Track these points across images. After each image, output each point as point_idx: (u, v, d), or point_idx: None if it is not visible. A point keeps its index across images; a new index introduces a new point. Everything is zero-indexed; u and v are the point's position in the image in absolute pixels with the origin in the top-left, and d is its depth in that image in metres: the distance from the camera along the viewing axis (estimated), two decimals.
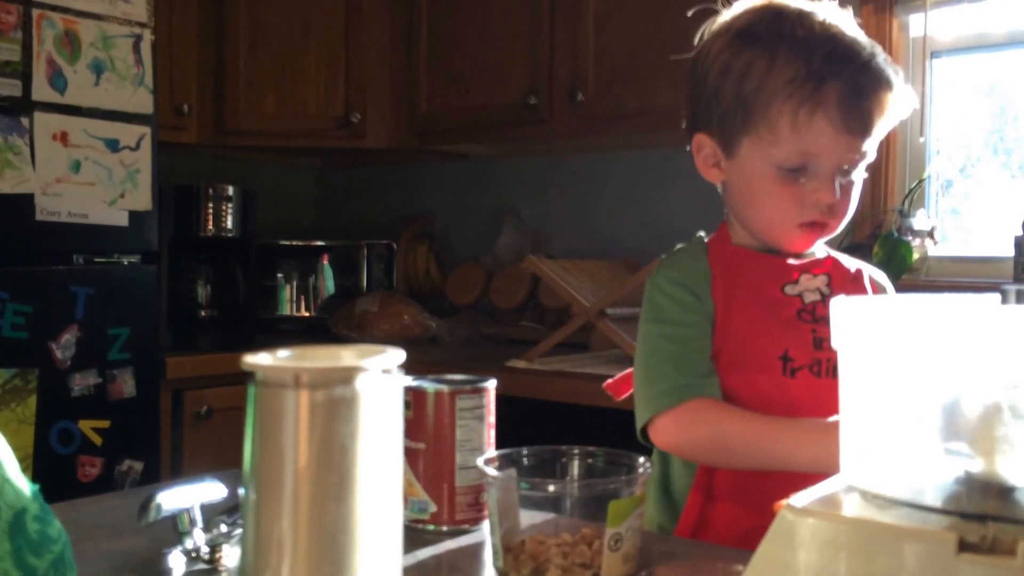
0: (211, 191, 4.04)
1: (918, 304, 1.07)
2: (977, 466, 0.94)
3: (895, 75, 1.69)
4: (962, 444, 0.95)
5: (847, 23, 1.72)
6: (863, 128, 1.67)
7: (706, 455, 1.70)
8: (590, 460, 1.42)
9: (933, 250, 3.49)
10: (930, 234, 3.45)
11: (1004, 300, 1.01)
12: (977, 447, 0.94)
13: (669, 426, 1.67)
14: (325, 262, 4.71)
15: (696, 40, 1.82)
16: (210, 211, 4.05)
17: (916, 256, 3.40)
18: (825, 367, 1.70)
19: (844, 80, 1.64)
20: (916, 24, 3.53)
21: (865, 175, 1.76)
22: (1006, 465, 0.92)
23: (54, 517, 1.01)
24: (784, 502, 0.99)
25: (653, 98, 3.55)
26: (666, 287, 1.77)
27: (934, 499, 0.95)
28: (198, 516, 1.33)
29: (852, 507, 0.98)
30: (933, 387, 0.95)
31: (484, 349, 4.08)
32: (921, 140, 3.52)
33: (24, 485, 1.01)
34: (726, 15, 1.77)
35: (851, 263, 1.88)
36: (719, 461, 1.70)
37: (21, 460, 1.01)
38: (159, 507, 1.29)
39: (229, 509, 1.36)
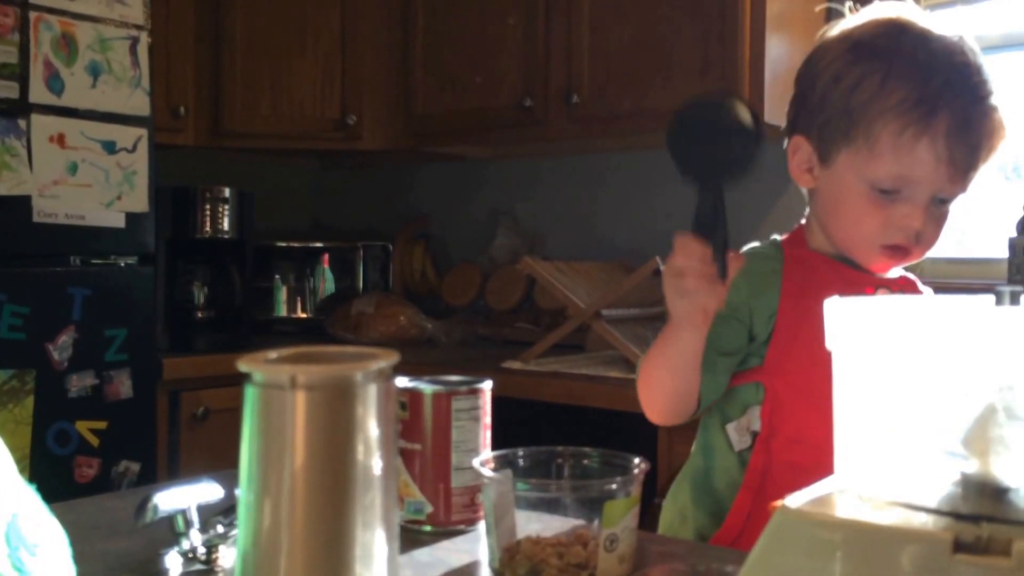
0: (207, 193, 4.04)
1: (913, 305, 1.07)
2: (972, 467, 0.94)
3: (1008, 117, 1.65)
4: (957, 445, 0.95)
5: (972, 53, 1.68)
6: (967, 162, 1.63)
7: (646, 405, 1.76)
8: (586, 461, 1.42)
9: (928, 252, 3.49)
10: None
11: (998, 301, 1.01)
12: (972, 448, 0.94)
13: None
14: (321, 264, 4.71)
15: (816, 40, 1.79)
16: (207, 213, 4.04)
17: None
18: None
19: (957, 111, 1.60)
20: None
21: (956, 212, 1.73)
22: (1001, 466, 0.92)
23: (51, 518, 1.01)
24: (779, 503, 0.99)
25: (648, 100, 3.56)
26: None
27: (929, 500, 0.95)
28: (195, 517, 1.33)
29: (847, 508, 0.98)
30: (928, 388, 0.96)
31: (480, 350, 4.08)
32: None
33: (21, 486, 1.01)
34: (848, 23, 1.74)
35: (923, 288, 1.86)
36: (653, 404, 1.76)
37: (18, 461, 1.01)
38: (156, 508, 1.29)
39: (226, 510, 1.36)
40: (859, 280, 1.76)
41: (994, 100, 1.64)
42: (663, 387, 1.72)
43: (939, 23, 1.71)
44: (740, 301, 1.74)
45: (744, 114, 1.48)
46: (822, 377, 1.71)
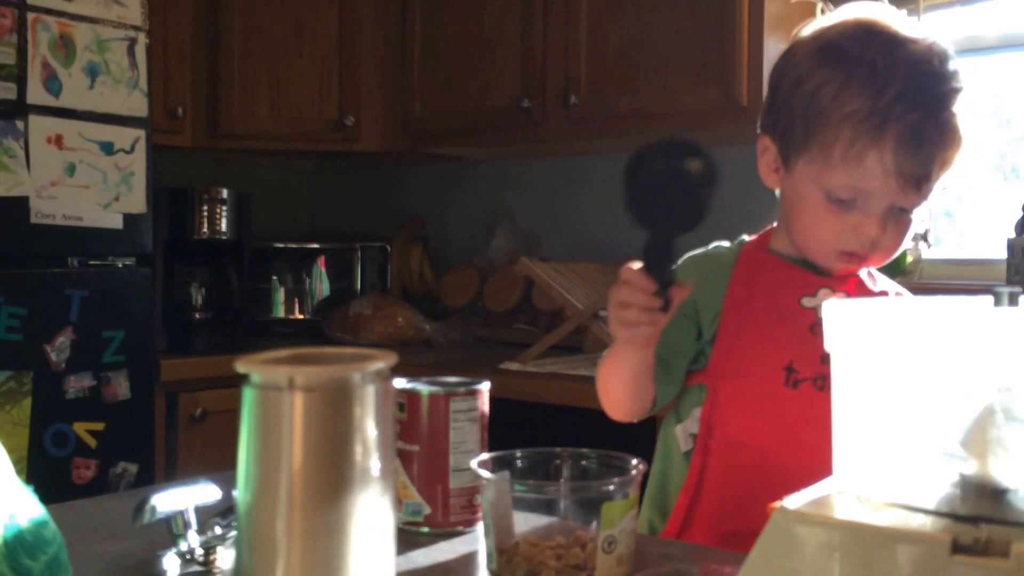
0: (205, 194, 4.03)
1: (911, 306, 1.07)
2: (970, 468, 0.95)
3: (969, 129, 1.64)
4: (955, 446, 0.95)
5: (939, 60, 1.65)
6: (917, 177, 1.62)
7: (604, 405, 1.81)
8: (584, 462, 1.42)
9: (926, 252, 3.49)
10: (923, 237, 3.46)
11: (997, 302, 1.01)
12: (970, 449, 0.94)
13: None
14: (319, 265, 4.71)
15: (792, 37, 1.78)
16: (204, 214, 4.04)
17: (910, 259, 3.41)
18: (830, 383, 1.68)
19: (907, 125, 1.59)
20: None
21: (920, 219, 1.73)
22: (999, 467, 0.93)
23: (49, 519, 1.01)
24: (778, 504, 0.99)
25: (646, 101, 3.55)
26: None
27: (927, 501, 0.95)
28: (192, 518, 1.33)
29: (846, 509, 0.99)
30: (926, 389, 0.96)
31: (478, 351, 4.08)
32: None
33: (18, 487, 1.01)
34: (822, 22, 1.74)
35: (884, 285, 1.85)
36: (609, 406, 1.81)
37: (16, 462, 1.01)
38: (154, 509, 1.29)
39: (224, 511, 1.35)
40: (806, 280, 1.76)
41: (953, 110, 1.62)
42: (617, 394, 1.77)
43: (912, 26, 1.69)
44: (686, 299, 1.74)
45: (698, 164, 1.48)
46: (764, 379, 1.71)
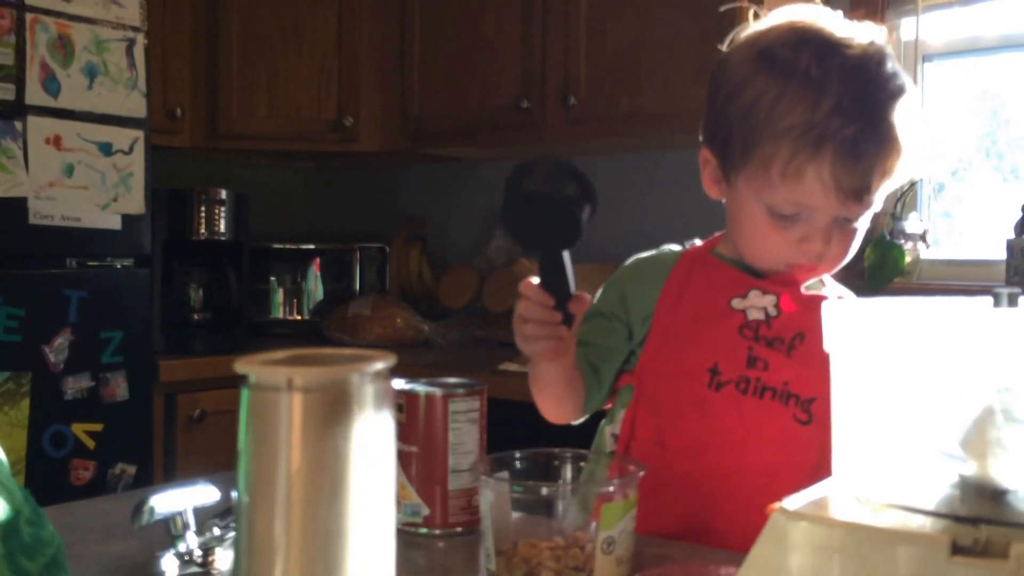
0: (204, 194, 4.04)
1: (910, 307, 1.07)
2: (970, 469, 0.94)
3: (909, 134, 1.59)
4: (955, 447, 0.95)
5: (879, 61, 1.61)
6: (857, 190, 1.58)
7: (540, 409, 1.82)
8: (583, 463, 1.42)
9: (925, 253, 3.49)
10: (922, 237, 3.46)
11: (996, 303, 1.01)
12: (970, 450, 0.94)
13: None
14: (317, 265, 4.71)
15: (727, 40, 1.75)
16: (203, 214, 4.04)
17: (908, 259, 3.41)
18: (753, 386, 1.66)
19: (844, 140, 1.54)
20: (908, 28, 3.53)
21: (868, 224, 1.70)
22: (999, 468, 0.92)
23: (47, 520, 1.01)
24: (777, 505, 0.99)
25: (646, 101, 3.55)
26: (611, 278, 1.84)
27: (927, 502, 0.95)
28: (191, 519, 1.33)
29: (845, 510, 0.98)
30: (926, 390, 0.96)
31: (477, 352, 4.08)
32: None
33: (17, 488, 1.01)
34: (761, 23, 1.70)
35: (828, 289, 1.82)
36: (543, 410, 1.82)
37: (14, 463, 1.01)
38: (152, 510, 1.29)
39: (222, 512, 1.36)
40: (739, 282, 1.73)
41: (892, 117, 1.58)
42: (544, 402, 1.78)
43: (849, 27, 1.64)
44: (614, 301, 1.77)
45: (574, 187, 1.48)
46: (688, 381, 1.70)
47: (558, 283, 1.50)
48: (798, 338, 1.69)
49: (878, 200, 1.64)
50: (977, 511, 0.92)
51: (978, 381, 0.92)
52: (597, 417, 1.82)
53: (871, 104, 1.57)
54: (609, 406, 1.82)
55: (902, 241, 3.40)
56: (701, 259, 1.78)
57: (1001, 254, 3.21)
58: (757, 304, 1.70)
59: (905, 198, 3.47)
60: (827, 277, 1.81)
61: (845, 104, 1.55)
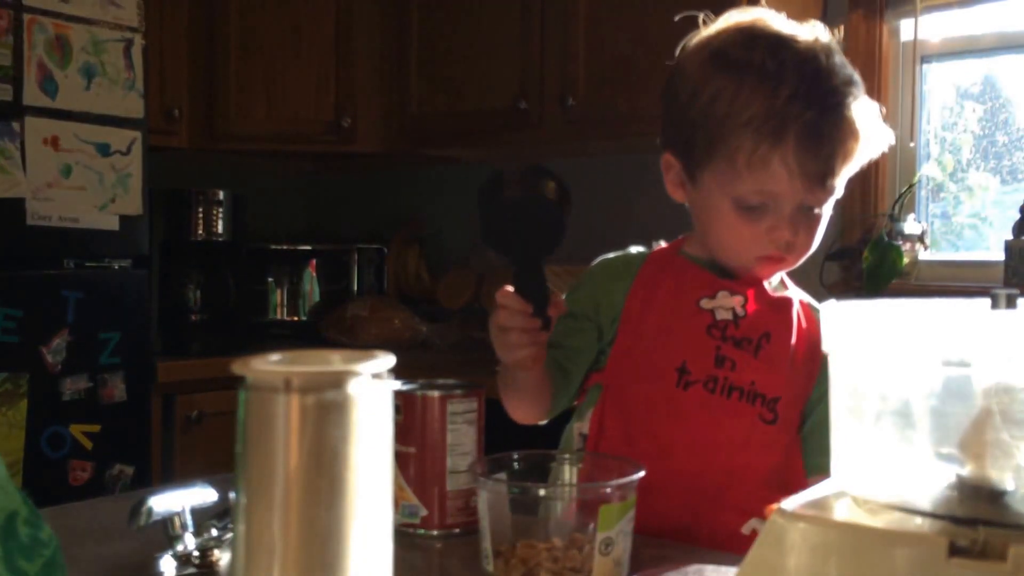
0: (201, 195, 4.04)
1: (909, 309, 1.07)
2: (968, 470, 0.94)
3: (866, 119, 1.64)
4: (953, 448, 0.95)
5: (828, 53, 1.66)
6: (821, 173, 1.62)
7: (507, 409, 1.80)
8: (581, 464, 1.42)
9: (923, 254, 3.50)
10: (920, 238, 3.46)
11: (994, 304, 1.01)
12: (968, 452, 0.94)
13: None
14: (315, 266, 4.71)
15: (678, 50, 1.78)
16: (200, 215, 4.04)
17: (906, 260, 3.41)
18: (721, 385, 1.68)
19: (805, 124, 1.59)
20: (906, 29, 3.53)
21: (831, 211, 1.72)
22: (997, 469, 0.92)
23: (44, 521, 1.01)
24: (775, 506, 0.99)
25: (644, 102, 3.55)
26: (581, 278, 1.85)
27: (925, 503, 0.95)
28: (189, 520, 1.33)
29: (843, 511, 0.99)
30: (924, 391, 0.96)
31: (475, 353, 4.08)
32: (911, 145, 3.53)
33: (14, 489, 1.01)
34: (709, 29, 1.74)
35: (789, 292, 1.83)
36: (511, 411, 1.79)
37: (12, 464, 1.01)
38: (150, 511, 1.29)
39: (220, 513, 1.36)
40: (706, 282, 1.75)
41: (847, 104, 1.63)
42: (517, 405, 1.77)
43: (793, 25, 1.69)
44: (584, 302, 1.78)
45: (552, 188, 1.48)
46: (656, 381, 1.70)
47: (536, 288, 1.50)
48: (764, 338, 1.73)
49: (839, 186, 1.68)
50: (975, 512, 0.92)
51: (976, 382, 0.92)
52: None
53: (826, 90, 1.62)
54: (578, 403, 1.82)
55: (900, 242, 3.40)
56: (669, 260, 1.80)
57: (999, 255, 3.21)
58: (725, 304, 1.73)
59: (903, 199, 3.47)
60: (789, 280, 1.85)
61: (802, 91, 1.60)
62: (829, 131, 1.61)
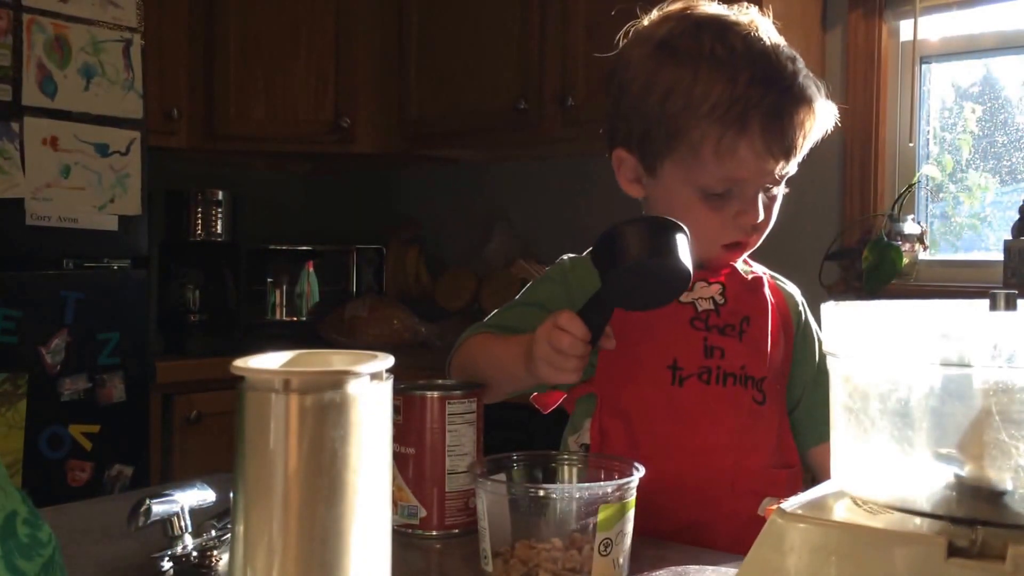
0: (201, 196, 4.04)
1: (908, 309, 1.07)
2: (967, 471, 0.94)
3: (817, 92, 1.66)
4: (952, 449, 0.95)
5: (769, 34, 1.67)
6: (786, 151, 1.64)
7: (456, 368, 1.80)
8: (580, 465, 1.42)
9: (923, 255, 3.50)
10: (920, 239, 3.46)
11: (993, 305, 1.01)
12: (967, 452, 0.94)
13: (453, 367, 1.80)
14: (314, 267, 4.70)
15: (616, 44, 1.81)
16: (200, 216, 4.05)
17: (906, 261, 3.41)
18: (715, 374, 1.69)
19: (767, 106, 1.60)
20: (906, 29, 3.53)
21: (786, 189, 1.73)
22: (996, 470, 0.92)
23: (44, 521, 1.01)
24: (775, 506, 0.99)
25: None
26: (551, 273, 1.84)
27: (924, 504, 0.95)
28: (188, 521, 1.33)
29: (842, 512, 0.99)
30: (923, 392, 0.96)
31: None
32: (911, 145, 3.53)
33: (13, 489, 1.01)
34: (647, 20, 1.76)
35: (755, 270, 1.84)
36: (463, 371, 1.77)
37: (11, 465, 1.01)
38: (149, 511, 1.29)
39: (219, 514, 1.36)
40: None
41: (800, 81, 1.64)
42: (500, 389, 1.72)
43: (725, 8, 1.71)
44: (555, 298, 1.77)
45: (682, 261, 1.46)
46: (650, 381, 1.69)
47: (602, 322, 1.49)
48: (745, 321, 1.74)
49: (795, 164, 1.69)
50: (974, 513, 0.92)
51: (975, 383, 0.92)
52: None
53: (779, 70, 1.64)
54: (569, 415, 1.80)
55: (899, 242, 3.40)
56: None
57: (998, 256, 3.21)
58: (704, 295, 1.74)
59: (902, 200, 3.47)
60: (749, 258, 1.85)
61: (759, 75, 1.61)
62: (790, 110, 1.63)
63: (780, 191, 1.72)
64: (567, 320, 1.49)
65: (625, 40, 1.82)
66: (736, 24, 1.66)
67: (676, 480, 1.60)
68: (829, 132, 1.71)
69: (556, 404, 1.78)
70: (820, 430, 1.77)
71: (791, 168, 1.68)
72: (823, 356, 1.81)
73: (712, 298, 1.73)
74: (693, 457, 1.66)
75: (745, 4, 1.73)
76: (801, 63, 1.67)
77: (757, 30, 1.67)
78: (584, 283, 1.74)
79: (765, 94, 1.60)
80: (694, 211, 1.68)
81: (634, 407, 1.68)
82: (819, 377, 1.83)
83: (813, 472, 1.84)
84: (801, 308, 1.87)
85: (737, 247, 1.73)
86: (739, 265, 1.80)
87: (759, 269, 1.85)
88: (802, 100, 1.64)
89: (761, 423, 1.71)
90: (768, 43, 1.66)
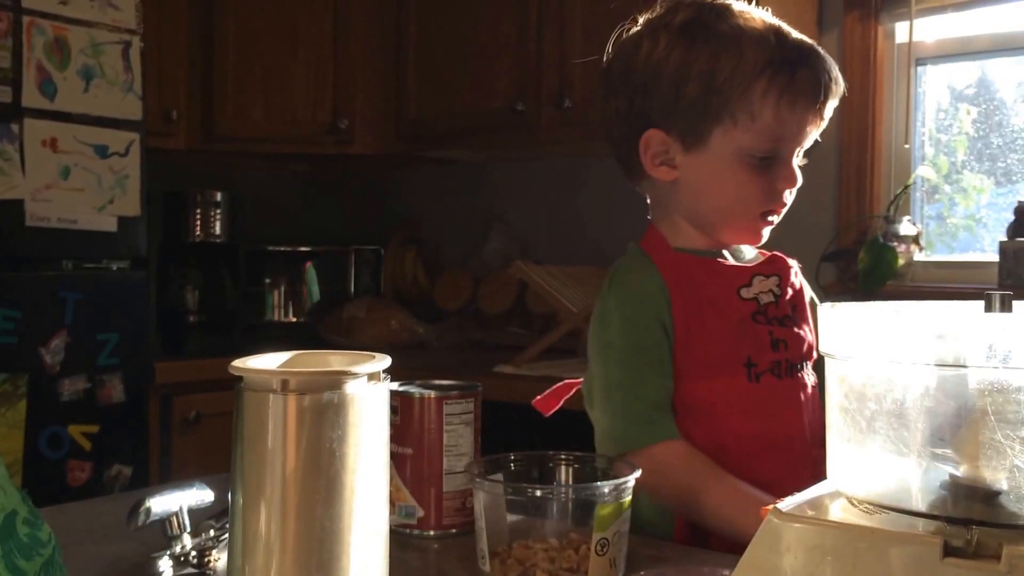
0: (199, 197, 4.04)
1: (904, 310, 1.07)
2: (962, 471, 0.95)
3: (833, 63, 1.73)
4: (947, 449, 0.95)
5: (771, 16, 1.75)
6: (825, 110, 1.71)
7: (669, 504, 1.67)
8: (577, 465, 1.43)
9: (918, 255, 3.50)
10: (915, 240, 3.46)
11: (988, 305, 1.02)
12: (962, 452, 0.94)
13: (642, 464, 1.55)
14: (313, 268, 4.70)
15: (614, 42, 1.85)
16: (198, 217, 4.05)
17: (902, 262, 3.41)
18: (784, 367, 1.71)
19: (811, 64, 1.68)
20: (901, 31, 3.54)
21: (804, 160, 1.78)
22: (991, 470, 0.93)
23: (44, 521, 1.02)
24: (770, 506, 0.99)
25: None
26: (623, 309, 1.74)
27: (919, 504, 0.95)
28: (187, 521, 1.33)
29: (838, 512, 0.99)
30: (918, 392, 0.96)
31: (472, 354, 4.08)
32: (906, 146, 3.54)
33: (13, 489, 1.01)
34: (660, 15, 1.77)
35: (787, 259, 1.86)
36: (680, 510, 1.66)
37: (11, 464, 1.02)
38: (148, 511, 1.29)
39: (218, 514, 1.36)
40: (736, 272, 1.76)
41: (820, 50, 1.72)
42: (696, 518, 1.64)
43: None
44: (653, 325, 1.71)
45: None
46: (728, 380, 1.70)
47: None
48: (795, 309, 1.77)
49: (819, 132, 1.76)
50: (969, 513, 0.92)
51: (970, 383, 0.93)
52: (589, 421, 1.80)
53: (801, 41, 1.72)
54: None
55: (895, 243, 3.41)
56: (678, 261, 1.77)
57: (994, 257, 3.22)
58: (764, 288, 1.75)
59: (898, 201, 3.48)
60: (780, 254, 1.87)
61: (793, 39, 1.71)
62: (827, 66, 1.71)
63: (802, 161, 1.76)
64: None
65: (619, 38, 1.85)
66: (746, 10, 1.73)
67: (767, 474, 1.60)
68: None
69: (557, 407, 1.79)
70: None
71: (819, 131, 1.74)
72: None
73: (771, 291, 1.76)
74: (781, 453, 1.67)
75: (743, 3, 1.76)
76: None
77: (765, 14, 1.75)
78: (653, 301, 1.72)
79: (808, 55, 1.69)
80: (740, 178, 1.71)
81: (717, 408, 1.69)
82: None
83: None
84: (802, 276, 1.88)
85: (769, 216, 1.76)
86: (790, 263, 1.83)
87: (794, 264, 1.87)
88: (831, 65, 1.71)
89: (817, 404, 1.74)
90: (779, 24, 1.73)
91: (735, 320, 1.71)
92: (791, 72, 1.66)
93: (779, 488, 1.58)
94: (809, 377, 1.76)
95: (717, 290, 1.73)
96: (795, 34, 1.71)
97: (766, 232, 1.79)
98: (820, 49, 1.72)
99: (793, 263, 1.86)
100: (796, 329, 1.75)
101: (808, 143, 1.74)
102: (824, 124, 1.73)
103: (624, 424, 1.69)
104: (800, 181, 1.74)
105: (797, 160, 1.74)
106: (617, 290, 1.77)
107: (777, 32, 1.69)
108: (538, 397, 1.83)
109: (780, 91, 1.65)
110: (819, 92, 1.68)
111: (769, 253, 1.84)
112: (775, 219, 1.77)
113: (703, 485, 1.61)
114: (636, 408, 1.68)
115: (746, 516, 1.43)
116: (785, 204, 1.75)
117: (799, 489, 1.58)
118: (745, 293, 1.73)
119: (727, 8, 1.72)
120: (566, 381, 1.83)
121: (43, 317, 3.22)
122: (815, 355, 1.78)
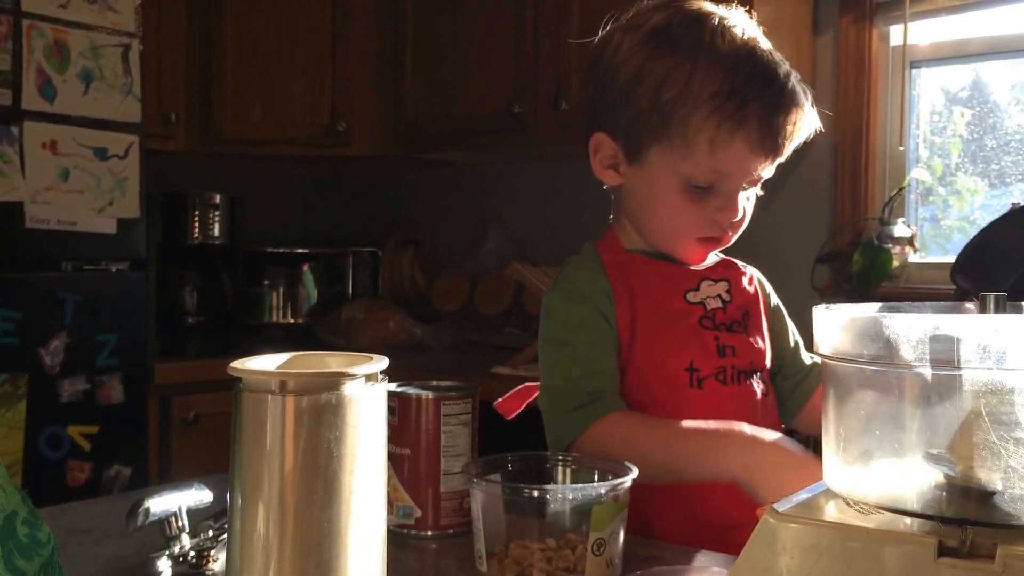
0: (198, 199, 4.05)
1: (898, 312, 1.08)
2: (957, 471, 0.95)
3: (807, 97, 1.65)
4: (942, 450, 0.96)
5: (762, 37, 1.67)
6: (776, 149, 1.62)
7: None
8: (574, 466, 1.43)
9: (913, 257, 3.50)
10: (910, 241, 3.47)
11: (983, 306, 1.02)
12: (957, 453, 0.95)
13: (587, 450, 1.59)
14: (311, 269, 4.71)
15: (601, 31, 1.79)
16: (197, 218, 4.06)
17: (896, 263, 3.42)
18: (730, 373, 1.68)
19: (765, 101, 1.59)
20: (896, 34, 3.55)
21: (761, 192, 1.73)
22: (985, 470, 0.93)
23: (43, 521, 1.02)
24: (767, 506, 1.00)
25: None
26: (566, 306, 1.72)
27: (914, 504, 0.96)
28: (186, 521, 1.33)
29: (833, 512, 0.99)
30: (913, 394, 0.96)
31: (469, 355, 4.09)
32: (901, 149, 3.54)
33: (13, 489, 1.02)
34: (635, 14, 1.73)
35: (748, 270, 1.84)
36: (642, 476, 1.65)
37: (11, 465, 1.02)
38: (147, 512, 1.29)
39: (216, 514, 1.36)
40: (684, 275, 1.73)
41: (793, 82, 1.63)
42: (663, 474, 1.59)
43: (711, 4, 1.70)
44: (596, 320, 1.69)
45: None
46: (669, 385, 1.67)
47: None
48: (746, 315, 1.74)
49: (776, 165, 1.68)
50: (964, 513, 0.93)
51: (964, 385, 0.93)
52: None
53: (775, 69, 1.62)
54: None
55: (889, 245, 3.41)
56: (627, 262, 1.75)
57: None
58: (711, 293, 1.73)
59: (892, 203, 3.49)
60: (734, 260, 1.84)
61: (759, 70, 1.60)
62: (785, 108, 1.61)
63: (755, 193, 1.71)
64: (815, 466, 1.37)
65: (605, 26, 1.80)
66: (725, 18, 1.66)
67: (710, 483, 1.58)
68: (810, 139, 1.70)
69: (520, 411, 1.77)
70: (805, 390, 1.81)
71: (771, 170, 1.67)
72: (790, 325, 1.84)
73: (719, 296, 1.73)
74: None
75: (735, 5, 1.73)
76: (792, 67, 1.66)
77: (745, 24, 1.67)
78: (598, 294, 1.70)
79: (764, 89, 1.59)
80: (674, 201, 1.66)
81: (656, 411, 1.65)
82: (796, 348, 1.87)
83: (807, 436, 1.83)
84: (764, 283, 1.86)
85: (710, 242, 1.71)
86: (711, 258, 1.79)
87: (751, 270, 1.85)
88: (795, 101, 1.62)
89: (767, 413, 1.72)
90: (757, 38, 1.66)
91: (680, 324, 1.69)
92: (738, 106, 1.58)
93: (724, 493, 1.59)
94: (758, 385, 1.72)
95: (663, 293, 1.71)
96: (767, 60, 1.63)
97: (708, 253, 1.76)
98: (792, 83, 1.63)
99: (750, 269, 1.84)
100: (746, 336, 1.72)
101: (765, 175, 1.68)
102: (783, 158, 1.66)
103: (560, 418, 1.65)
104: (745, 215, 1.69)
105: (746, 193, 1.69)
106: (560, 286, 1.75)
107: (746, 56, 1.61)
108: (500, 400, 1.79)
109: (718, 124, 1.58)
110: (766, 131, 1.60)
111: (723, 257, 1.82)
112: (720, 243, 1.73)
113: (655, 446, 1.56)
114: (574, 398, 1.63)
115: (716, 452, 1.48)
116: (726, 233, 1.70)
117: (745, 499, 1.58)
118: (692, 297, 1.71)
119: (703, 19, 1.65)
120: (527, 384, 1.78)
121: (43, 318, 3.23)
122: (768, 364, 1.76)
